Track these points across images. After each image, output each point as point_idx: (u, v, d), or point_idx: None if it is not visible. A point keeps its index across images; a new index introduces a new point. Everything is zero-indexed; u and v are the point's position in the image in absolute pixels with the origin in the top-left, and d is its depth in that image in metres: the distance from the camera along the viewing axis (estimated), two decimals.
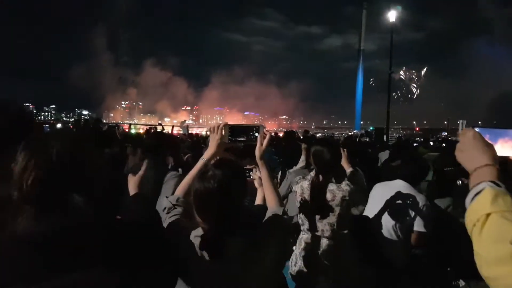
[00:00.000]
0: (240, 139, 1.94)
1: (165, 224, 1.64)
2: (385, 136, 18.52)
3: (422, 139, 16.97)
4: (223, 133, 1.92)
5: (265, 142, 1.89)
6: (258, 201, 2.41)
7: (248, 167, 2.54)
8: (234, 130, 1.94)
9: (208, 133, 14.71)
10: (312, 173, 2.92)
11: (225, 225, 1.49)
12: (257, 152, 1.89)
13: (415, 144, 12.83)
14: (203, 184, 1.51)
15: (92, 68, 42.95)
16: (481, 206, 1.00)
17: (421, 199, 3.08)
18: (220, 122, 1.95)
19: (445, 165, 3.72)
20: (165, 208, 1.71)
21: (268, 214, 1.79)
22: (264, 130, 1.96)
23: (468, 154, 1.18)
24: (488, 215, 0.97)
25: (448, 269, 3.21)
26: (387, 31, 21.56)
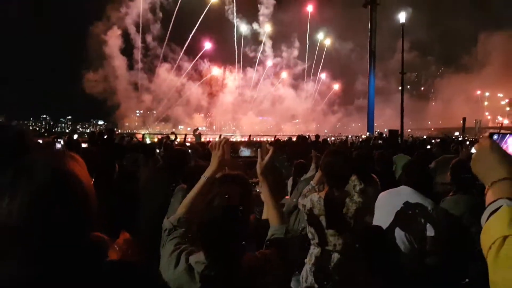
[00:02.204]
0: (243, 155, 1.93)
1: (165, 247, 1.62)
2: (399, 138, 18.31)
3: (438, 140, 16.68)
4: (225, 150, 1.90)
5: (266, 157, 1.87)
6: (265, 215, 2.38)
7: (254, 180, 2.52)
8: (235, 147, 1.93)
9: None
10: (321, 187, 2.87)
11: (229, 255, 1.45)
12: (258, 168, 1.87)
13: (428, 147, 12.58)
14: (209, 215, 1.48)
15: (105, 75, 43.35)
16: (497, 227, 0.90)
17: (428, 204, 3.03)
18: (223, 138, 1.94)
19: (462, 172, 3.59)
20: (166, 229, 1.69)
21: (270, 232, 1.76)
22: (267, 145, 1.94)
23: (484, 166, 1.07)
24: (505, 238, 0.87)
25: (467, 280, 3.12)
26: (398, 31, 21.64)
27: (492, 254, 0.88)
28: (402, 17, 21.66)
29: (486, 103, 75.47)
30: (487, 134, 1.24)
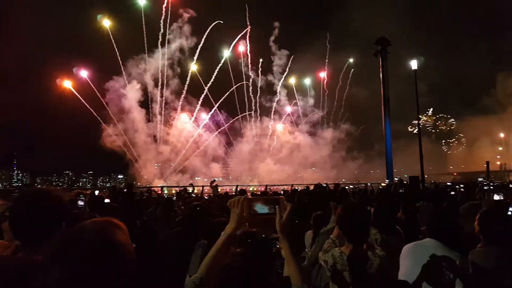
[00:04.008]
0: (261, 212, 1.95)
1: None
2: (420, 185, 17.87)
3: (462, 186, 16.23)
4: (244, 207, 1.93)
5: (285, 215, 1.89)
6: (286, 272, 2.35)
7: (274, 235, 2.51)
8: (253, 204, 1.96)
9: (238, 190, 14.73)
10: (342, 240, 2.81)
11: None
12: (278, 226, 1.89)
13: (452, 193, 12.23)
14: (227, 274, 1.49)
15: (125, 129, 45.04)
16: None
17: (456, 257, 2.91)
18: (240, 196, 1.97)
19: (491, 222, 3.41)
20: None
21: None
22: (284, 202, 1.96)
23: None
24: None
25: None
26: (410, 78, 21.92)
27: None
28: (413, 64, 21.95)
29: None
30: None
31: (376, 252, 2.67)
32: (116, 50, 44.47)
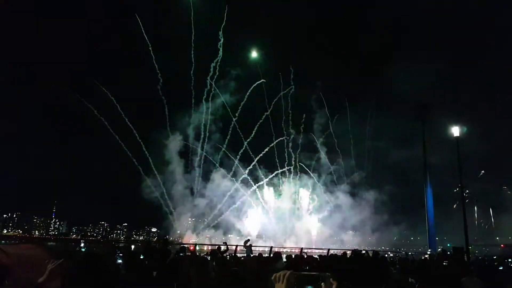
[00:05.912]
0: None
1: None
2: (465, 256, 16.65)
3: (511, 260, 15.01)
4: (289, 283, 1.94)
5: None
6: None
7: None
8: (299, 280, 1.97)
9: (271, 254, 14.33)
10: None
11: None
12: None
13: (500, 268, 11.34)
14: None
15: (163, 181, 45.98)
16: None
17: None
18: (286, 271, 1.99)
19: None
20: None
21: None
22: (330, 279, 1.98)
23: None
24: None
25: None
26: (453, 144, 21.01)
27: None
28: (455, 131, 21.09)
29: None
30: None
31: None
32: (165, 105, 46.98)
